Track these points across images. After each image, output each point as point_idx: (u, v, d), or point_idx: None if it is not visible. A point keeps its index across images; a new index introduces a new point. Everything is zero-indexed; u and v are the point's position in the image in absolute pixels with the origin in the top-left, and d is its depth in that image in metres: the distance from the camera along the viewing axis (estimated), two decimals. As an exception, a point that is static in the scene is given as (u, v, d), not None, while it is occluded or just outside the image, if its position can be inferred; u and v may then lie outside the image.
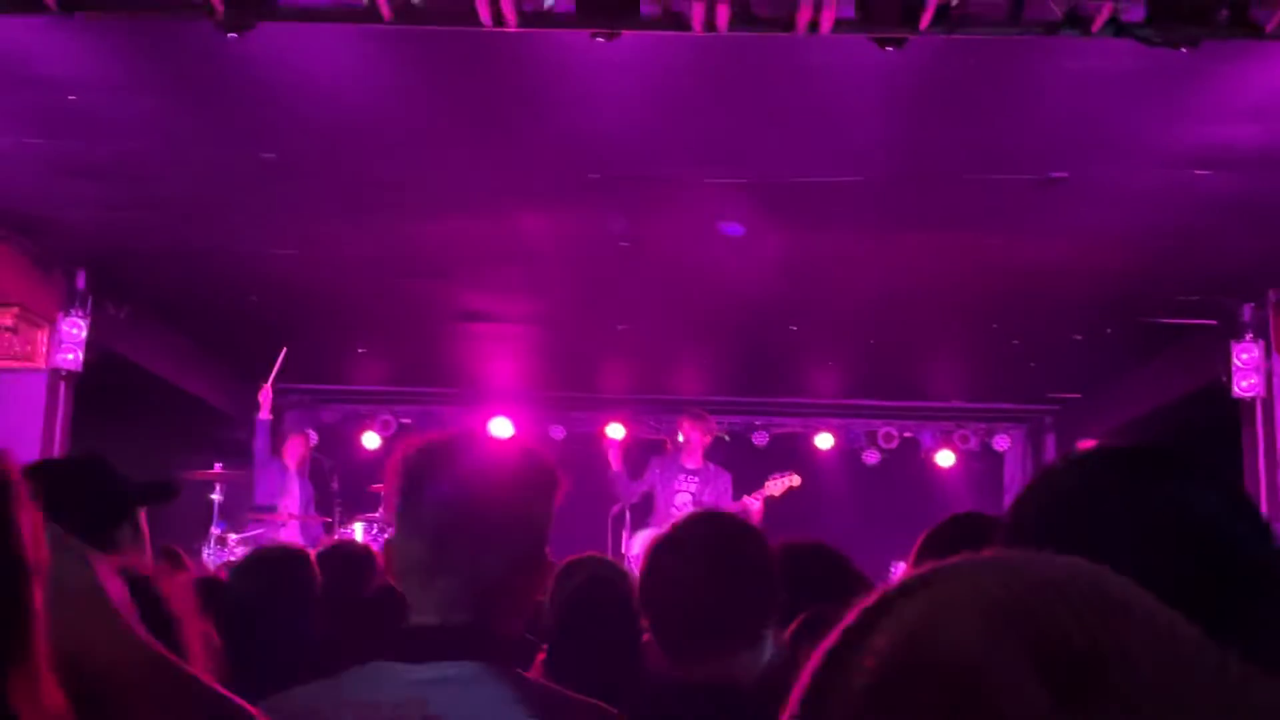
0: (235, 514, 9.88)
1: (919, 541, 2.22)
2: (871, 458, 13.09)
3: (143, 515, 2.48)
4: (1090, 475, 1.14)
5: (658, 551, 2.46)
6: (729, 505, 8.96)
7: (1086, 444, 10.10)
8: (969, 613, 0.57)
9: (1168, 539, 1.06)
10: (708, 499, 9.05)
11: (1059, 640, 0.55)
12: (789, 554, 2.96)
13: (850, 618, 0.61)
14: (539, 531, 1.89)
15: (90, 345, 8.91)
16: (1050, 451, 12.81)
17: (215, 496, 9.60)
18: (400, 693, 1.71)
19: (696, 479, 9.14)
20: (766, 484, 9.38)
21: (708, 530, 2.48)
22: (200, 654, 1.59)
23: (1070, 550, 1.03)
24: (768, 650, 2.36)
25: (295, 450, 10.42)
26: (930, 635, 0.57)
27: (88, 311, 8.92)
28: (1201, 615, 1.00)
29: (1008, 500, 11.17)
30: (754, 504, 9.09)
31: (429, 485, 1.84)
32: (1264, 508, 8.66)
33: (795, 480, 9.50)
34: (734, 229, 7.53)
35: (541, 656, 3.14)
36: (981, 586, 0.58)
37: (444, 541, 1.81)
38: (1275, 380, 8.76)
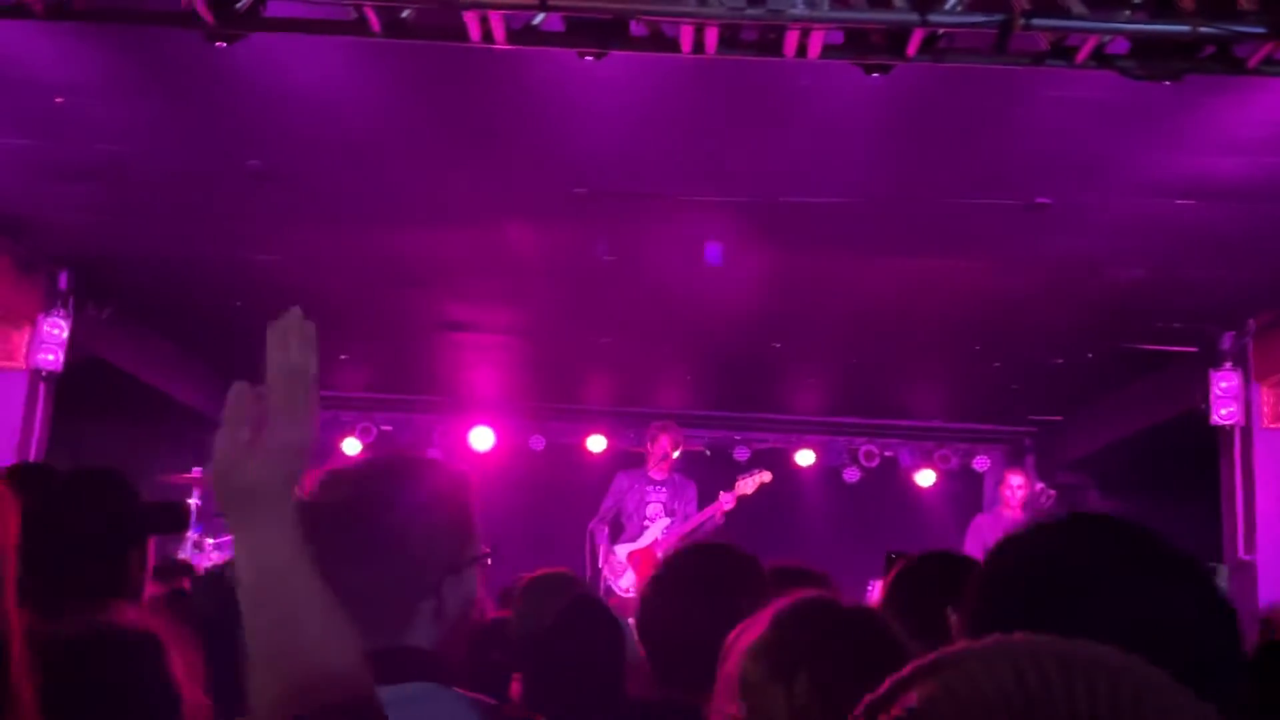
0: (213, 518, 9.84)
1: (893, 574, 2.23)
2: (852, 475, 13.11)
3: (151, 541, 2.42)
4: (1066, 564, 1.12)
5: (657, 585, 2.47)
6: (695, 515, 9.06)
7: (1054, 489, 10.12)
8: (964, 701, 0.59)
9: (1138, 637, 1.06)
10: (678, 508, 9.14)
11: None
12: (776, 578, 2.98)
13: (880, 690, 0.63)
14: (431, 546, 1.85)
15: (71, 346, 8.88)
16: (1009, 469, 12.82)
17: (193, 500, 9.56)
18: None
19: (665, 489, 9.22)
20: (738, 483, 9.44)
21: (708, 565, 2.48)
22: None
23: (1041, 612, 1.03)
24: None
25: None
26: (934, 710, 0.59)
27: (69, 312, 8.89)
28: None
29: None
30: (727, 504, 9.14)
31: (310, 513, 1.82)
32: (1240, 536, 8.72)
33: (766, 476, 9.59)
34: (714, 254, 7.54)
35: (518, 678, 3.14)
36: (984, 676, 0.60)
37: (326, 574, 1.79)
38: (1253, 409, 8.82)
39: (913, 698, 0.61)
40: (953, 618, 1.14)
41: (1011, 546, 1.17)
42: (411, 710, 1.71)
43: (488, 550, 1.94)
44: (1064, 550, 1.13)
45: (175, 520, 2.53)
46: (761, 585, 2.47)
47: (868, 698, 0.64)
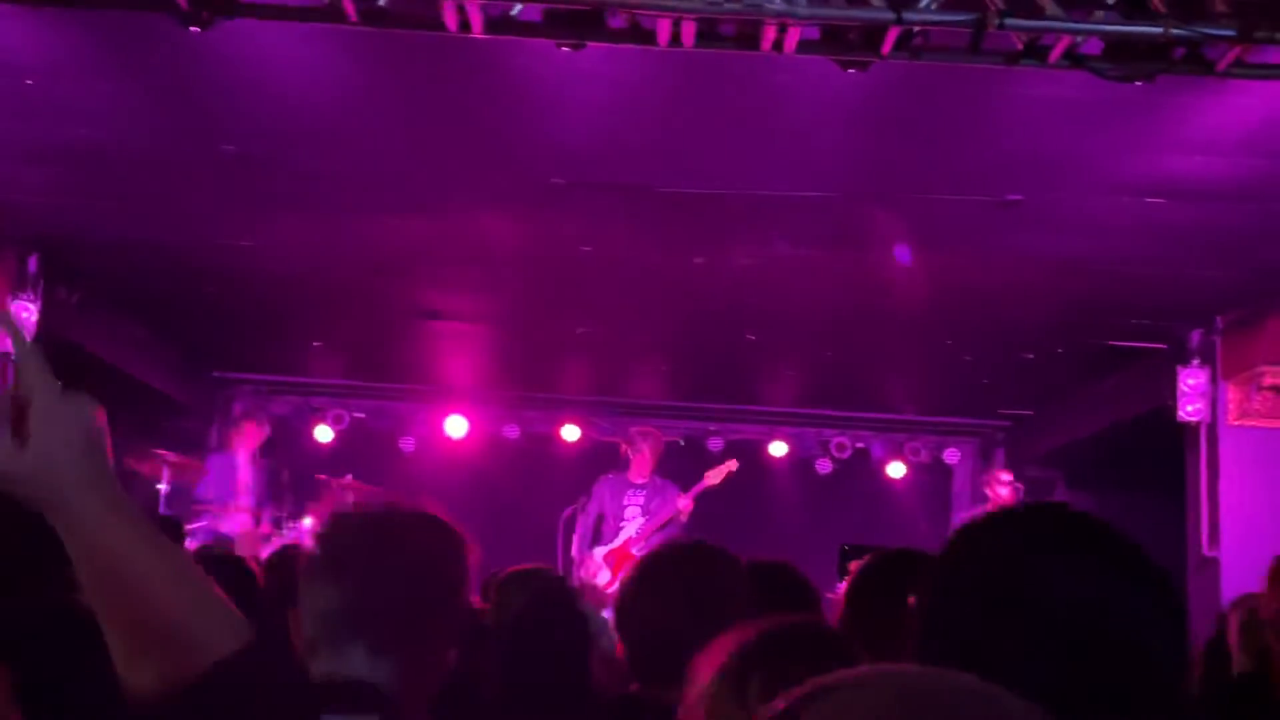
0: (182, 504, 9.81)
1: (853, 576, 2.25)
2: (824, 467, 13.18)
3: None
4: (1020, 554, 1.14)
5: (636, 584, 2.48)
6: (660, 512, 9.13)
7: (1007, 476, 10.23)
8: None
9: (1088, 644, 1.07)
10: (655, 509, 9.20)
11: None
12: (754, 573, 3.01)
13: (769, 715, 0.65)
14: (451, 600, 1.95)
15: (40, 330, 8.81)
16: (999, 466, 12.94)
17: (162, 486, 9.52)
18: None
19: (644, 492, 9.35)
20: (706, 476, 9.52)
21: (685, 564, 2.50)
22: None
23: (988, 640, 1.06)
24: None
25: (249, 440, 10.34)
26: None
27: (38, 296, 8.82)
28: (1107, 705, 1.03)
29: (955, 514, 11.31)
30: (685, 506, 9.22)
31: (343, 556, 1.90)
32: (1205, 532, 8.82)
33: (733, 465, 9.68)
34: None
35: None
36: (859, 709, 0.62)
37: (352, 619, 1.87)
38: (1220, 406, 8.91)
39: None
40: (911, 601, 1.16)
41: (966, 536, 1.18)
42: None
43: (479, 603, 2.01)
44: (1018, 540, 1.15)
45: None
46: (739, 582, 2.49)
47: None
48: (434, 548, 1.96)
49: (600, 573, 9.15)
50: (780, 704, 0.65)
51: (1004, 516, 1.24)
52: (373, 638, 1.86)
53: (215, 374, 12.55)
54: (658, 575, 2.47)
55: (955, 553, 1.17)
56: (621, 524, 9.25)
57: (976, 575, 1.13)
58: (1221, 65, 4.52)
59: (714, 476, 9.51)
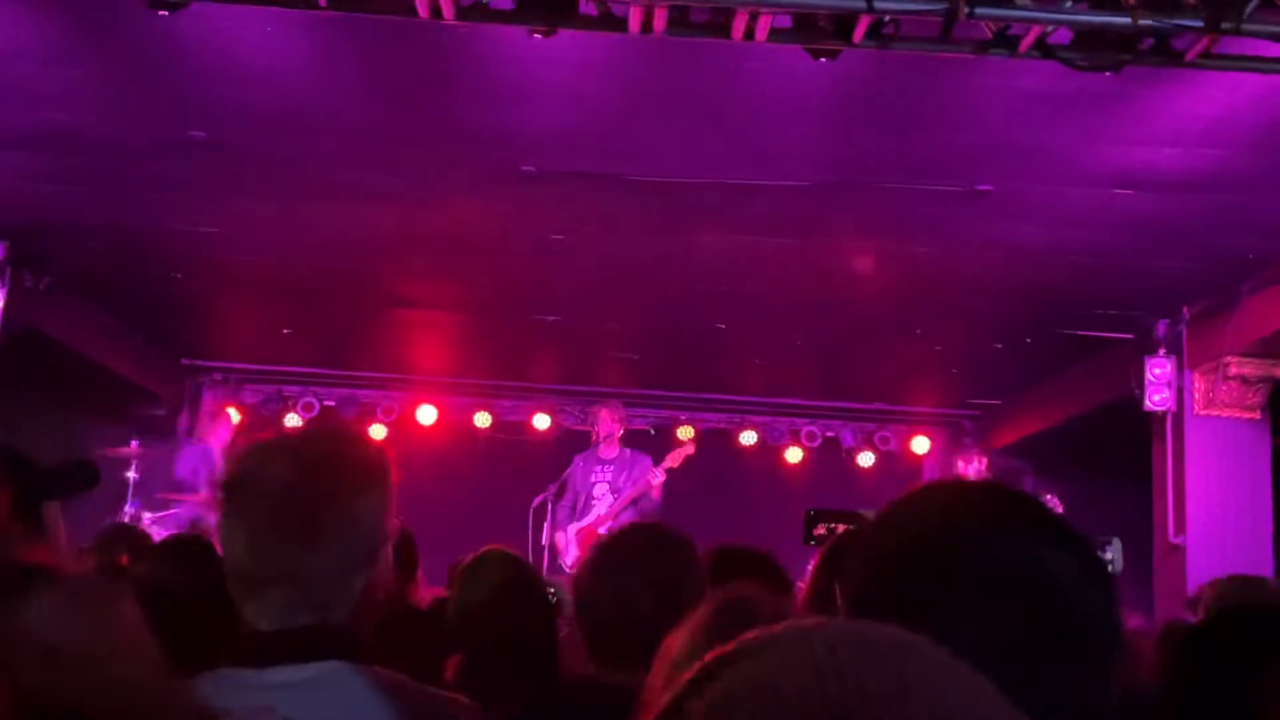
0: (151, 493, 9.75)
1: (819, 557, 2.27)
2: (794, 455, 13.22)
3: (56, 509, 2.34)
4: (948, 522, 1.15)
5: (594, 566, 2.48)
6: (627, 490, 9.16)
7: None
8: (756, 688, 0.62)
9: (1016, 593, 1.09)
10: (624, 484, 9.20)
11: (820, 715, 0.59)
12: (721, 557, 3.02)
13: (688, 675, 0.65)
14: (372, 529, 1.84)
15: (7, 317, 8.74)
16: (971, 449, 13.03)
17: (131, 474, 9.46)
18: (251, 698, 1.68)
19: (612, 467, 9.32)
20: (665, 459, 9.52)
21: (644, 547, 2.49)
22: None
23: (919, 594, 1.07)
24: None
25: (222, 430, 10.28)
26: (725, 710, 0.62)
27: (5, 283, 8.74)
28: (1036, 667, 1.05)
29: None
30: (657, 479, 9.23)
31: (245, 492, 1.80)
32: (1171, 520, 8.90)
33: (690, 449, 9.73)
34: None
35: (456, 659, 3.15)
36: (779, 668, 0.63)
37: (258, 547, 1.77)
38: (1186, 395, 9.00)
39: (715, 689, 0.63)
40: (837, 587, 1.17)
41: (892, 511, 1.19)
42: (319, 693, 1.71)
43: (399, 523, 1.93)
44: (944, 512, 1.16)
45: (81, 478, 2.35)
46: (693, 563, 2.49)
47: (671, 691, 0.66)
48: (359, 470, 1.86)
49: (570, 550, 9.14)
50: (698, 666, 0.66)
51: (928, 490, 1.25)
52: (343, 579, 1.79)
53: (184, 362, 12.46)
54: (613, 559, 2.47)
55: (881, 527, 1.18)
56: (592, 501, 9.26)
57: (902, 547, 1.14)
58: (1190, 56, 4.56)
59: (673, 460, 9.52)
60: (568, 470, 9.50)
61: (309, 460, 1.84)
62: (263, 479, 1.80)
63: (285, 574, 1.76)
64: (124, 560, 4.04)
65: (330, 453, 1.87)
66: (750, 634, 0.66)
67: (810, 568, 2.38)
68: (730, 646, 0.66)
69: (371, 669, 1.77)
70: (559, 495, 9.39)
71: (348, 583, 1.81)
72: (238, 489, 1.81)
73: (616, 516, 8.96)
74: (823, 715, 0.60)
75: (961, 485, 1.24)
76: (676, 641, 1.71)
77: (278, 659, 1.72)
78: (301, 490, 1.78)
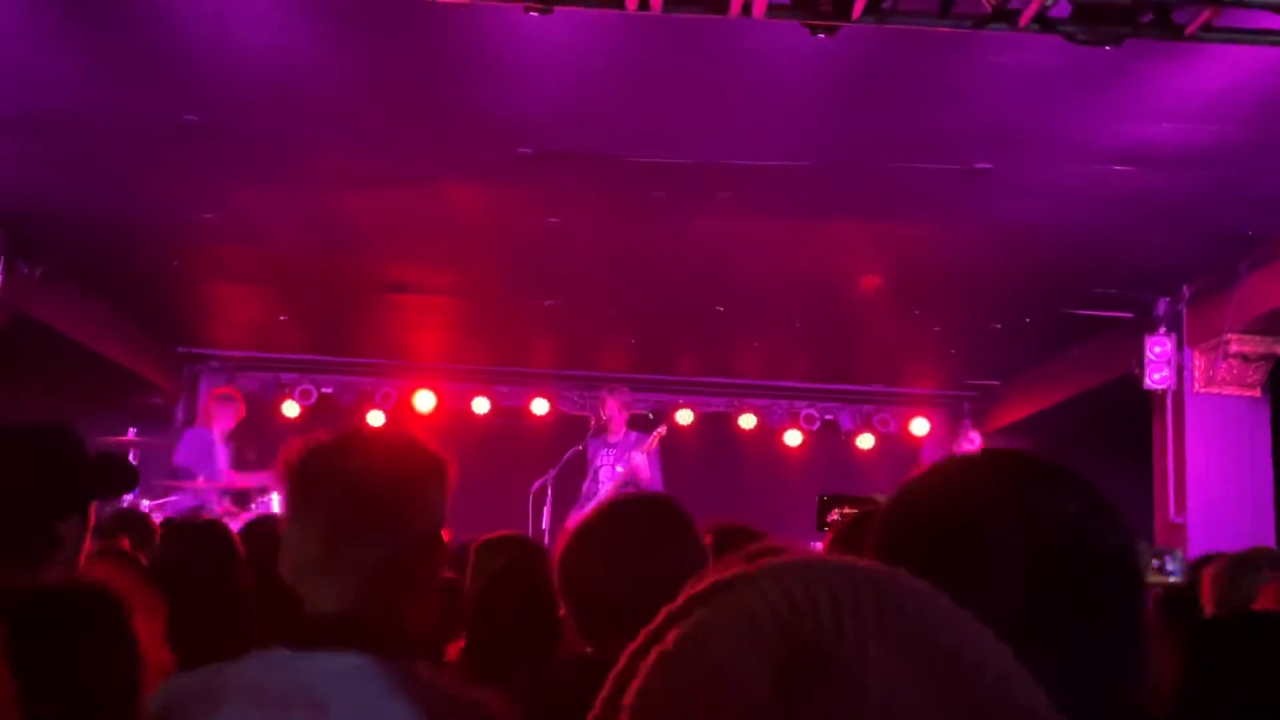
0: (149, 480, 9.71)
1: (831, 537, 2.25)
2: (793, 438, 13.21)
3: (93, 508, 2.35)
4: (965, 492, 1.13)
5: (584, 538, 2.44)
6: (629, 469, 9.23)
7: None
8: (730, 623, 0.61)
9: (1032, 538, 1.07)
10: (625, 464, 9.29)
11: (797, 647, 0.58)
12: (718, 535, 3.00)
13: (658, 618, 0.64)
14: (432, 521, 1.93)
15: (2, 305, 8.70)
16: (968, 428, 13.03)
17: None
18: (289, 679, 1.73)
19: (616, 451, 9.44)
20: (647, 441, 9.57)
21: (639, 519, 2.46)
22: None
23: (938, 567, 1.05)
24: None
25: (225, 418, 10.24)
26: (694, 644, 0.62)
27: (0, 270, 8.70)
28: (1061, 639, 1.03)
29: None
30: (643, 458, 9.29)
31: (318, 486, 1.89)
32: (1171, 498, 8.90)
33: (662, 430, 9.85)
34: None
35: (460, 644, 3.13)
36: (754, 596, 0.62)
37: (336, 541, 1.85)
38: (1186, 373, 8.98)
39: (689, 621, 0.63)
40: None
41: (907, 487, 1.17)
42: (353, 683, 1.73)
43: (450, 574, 1.99)
44: (961, 484, 1.14)
45: (124, 481, 2.43)
46: (685, 533, 2.45)
47: (644, 632, 0.65)
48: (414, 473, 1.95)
49: None
50: (678, 603, 0.65)
51: (947, 461, 1.23)
52: (352, 573, 1.85)
53: (181, 349, 12.43)
54: (594, 532, 2.43)
55: (901, 498, 1.16)
56: (599, 484, 9.42)
57: (922, 516, 1.12)
58: (1190, 29, 4.53)
59: (652, 441, 9.58)
60: (587, 455, 9.65)
61: (378, 456, 1.95)
62: (334, 473, 1.90)
63: (349, 563, 1.85)
64: (125, 544, 4.03)
65: (399, 450, 1.98)
66: (724, 574, 0.65)
67: (824, 547, 2.35)
68: (705, 583, 0.65)
69: (401, 665, 1.80)
70: (593, 477, 9.51)
71: (405, 577, 1.89)
72: (309, 480, 1.91)
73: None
74: (798, 647, 0.58)
75: (977, 457, 1.22)
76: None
77: (321, 645, 1.77)
78: (375, 484, 1.88)
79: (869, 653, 0.58)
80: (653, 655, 0.62)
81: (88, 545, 2.38)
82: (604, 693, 0.65)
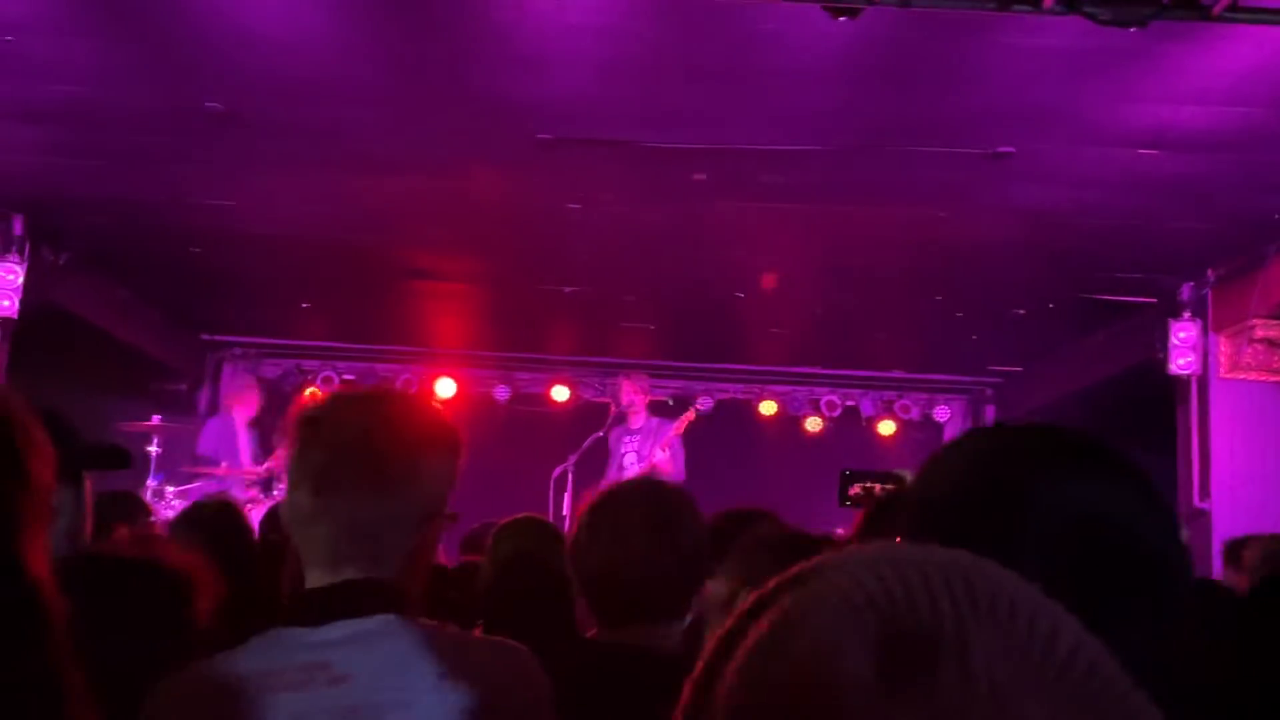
0: (173, 467, 9.77)
1: (863, 515, 2.24)
2: (814, 425, 13.18)
3: (88, 482, 2.37)
4: (999, 462, 1.11)
5: (593, 523, 2.45)
6: (648, 457, 9.28)
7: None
8: (828, 606, 0.61)
9: (1075, 534, 1.04)
10: (646, 454, 9.38)
11: (898, 631, 0.57)
12: (728, 521, 2.99)
13: (743, 606, 0.64)
14: (434, 490, 1.87)
15: (26, 292, 8.75)
16: (989, 423, 12.97)
17: (152, 449, 9.48)
18: (302, 657, 1.70)
19: (639, 437, 9.48)
20: (674, 426, 9.60)
21: (645, 506, 2.47)
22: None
23: (976, 535, 1.04)
24: (689, 617, 2.40)
25: (248, 405, 10.28)
26: (791, 627, 0.61)
27: (24, 258, 8.75)
28: (1100, 606, 1.01)
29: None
30: (665, 454, 9.32)
31: (315, 434, 1.83)
32: (1196, 484, 8.84)
33: (691, 414, 9.89)
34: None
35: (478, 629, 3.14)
36: (847, 581, 0.61)
37: (323, 487, 1.79)
38: (1210, 358, 8.92)
39: (781, 603, 0.62)
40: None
41: (938, 460, 1.15)
42: (370, 647, 1.72)
43: (454, 514, 1.95)
44: (992, 455, 1.12)
45: (112, 459, 2.47)
46: (698, 529, 2.46)
47: (734, 616, 0.65)
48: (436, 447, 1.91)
49: None
50: (768, 587, 0.64)
51: (977, 433, 1.21)
52: (396, 535, 1.82)
53: (204, 337, 12.49)
54: (619, 520, 2.44)
55: (933, 470, 1.14)
56: (622, 471, 9.44)
57: (958, 490, 1.09)
58: (1216, 10, 4.48)
59: (679, 426, 9.60)
60: (610, 444, 9.69)
61: (383, 411, 1.89)
62: (335, 422, 1.84)
63: (341, 517, 1.79)
64: (122, 530, 4.03)
65: (404, 409, 1.93)
66: (811, 561, 0.65)
67: (854, 526, 2.35)
68: (794, 570, 0.64)
69: (419, 622, 1.78)
70: (617, 466, 9.56)
71: (402, 537, 1.83)
72: (309, 428, 1.85)
73: None
74: (899, 629, 0.58)
75: (1007, 427, 1.19)
76: (718, 587, 1.69)
77: (330, 615, 1.74)
78: (371, 437, 1.82)
79: (970, 636, 0.58)
80: (749, 639, 0.62)
81: (89, 525, 2.40)
82: (694, 676, 0.65)
